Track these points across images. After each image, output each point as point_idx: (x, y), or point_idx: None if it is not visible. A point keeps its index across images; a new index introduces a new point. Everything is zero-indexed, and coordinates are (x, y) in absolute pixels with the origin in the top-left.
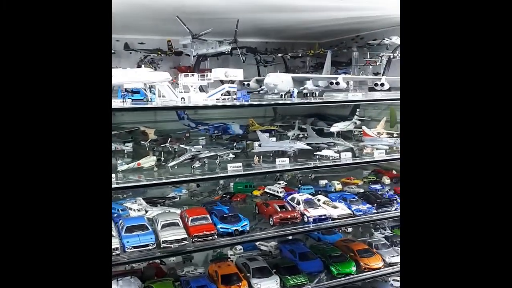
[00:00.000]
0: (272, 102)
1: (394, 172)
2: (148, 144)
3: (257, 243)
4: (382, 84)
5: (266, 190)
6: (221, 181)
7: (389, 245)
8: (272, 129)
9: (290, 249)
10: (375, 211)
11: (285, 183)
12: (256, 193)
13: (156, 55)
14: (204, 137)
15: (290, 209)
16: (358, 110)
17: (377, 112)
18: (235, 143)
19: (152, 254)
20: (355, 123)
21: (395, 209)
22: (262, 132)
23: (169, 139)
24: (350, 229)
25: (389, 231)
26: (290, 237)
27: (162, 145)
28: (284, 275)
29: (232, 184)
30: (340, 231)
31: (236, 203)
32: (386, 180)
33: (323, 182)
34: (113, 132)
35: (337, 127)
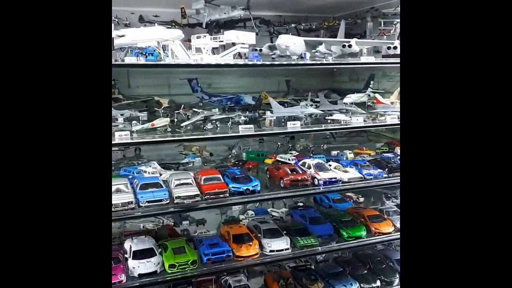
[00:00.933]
0: (285, 62)
1: None
2: (162, 111)
3: (268, 210)
4: (395, 47)
5: (277, 158)
6: (234, 150)
7: (399, 212)
8: (285, 102)
9: (301, 215)
10: (386, 175)
11: (297, 153)
12: (268, 161)
13: (170, 26)
14: (217, 109)
15: (300, 172)
16: (372, 82)
17: (391, 85)
18: (247, 112)
19: (165, 209)
20: (369, 95)
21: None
22: None
23: (182, 105)
24: (362, 199)
25: None
26: (301, 204)
27: (176, 112)
28: (294, 236)
29: (244, 153)
30: (352, 200)
31: (247, 169)
32: (399, 150)
33: (334, 152)
34: (128, 101)
35: (350, 98)
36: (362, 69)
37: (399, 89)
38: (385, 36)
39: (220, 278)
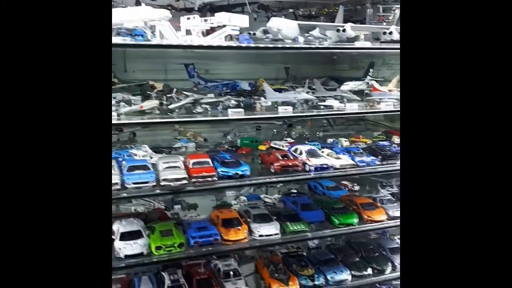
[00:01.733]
0: (279, 46)
1: None
2: (155, 95)
3: (261, 196)
4: (391, 33)
5: (271, 145)
6: (229, 137)
7: (394, 201)
8: (281, 88)
9: (293, 201)
10: (379, 163)
11: (292, 140)
12: (262, 147)
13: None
14: (213, 94)
15: (292, 158)
16: (371, 71)
17: (391, 73)
18: (242, 98)
19: (152, 191)
20: (367, 83)
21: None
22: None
23: (175, 89)
24: (357, 187)
25: (396, 189)
26: (294, 191)
27: (168, 95)
28: (284, 222)
29: (239, 140)
30: (347, 189)
31: (241, 155)
32: (396, 139)
33: (330, 140)
34: (122, 85)
35: (348, 86)
36: (361, 56)
37: (397, 77)
38: (384, 23)
39: (210, 262)
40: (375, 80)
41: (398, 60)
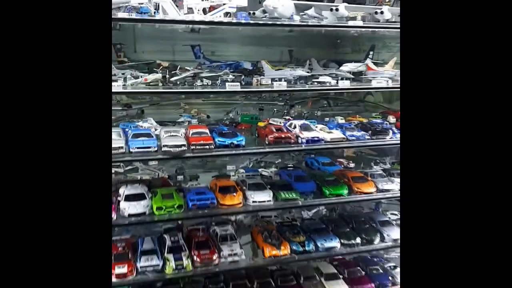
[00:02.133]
0: (278, 23)
1: None
2: (160, 71)
3: (259, 170)
4: (382, 12)
5: (270, 121)
6: (231, 114)
7: (384, 175)
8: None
9: (288, 174)
10: (368, 137)
11: (291, 118)
12: (261, 124)
13: None
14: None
15: (285, 131)
16: (372, 53)
17: (390, 55)
18: (243, 76)
19: (154, 155)
20: (367, 65)
21: (390, 138)
22: None
23: (179, 66)
24: (352, 165)
25: (389, 166)
26: (291, 165)
27: (172, 72)
28: (277, 190)
29: (239, 117)
30: (343, 166)
31: (240, 130)
32: (392, 119)
33: (327, 118)
34: (131, 63)
35: (347, 67)
36: (362, 39)
37: (394, 59)
38: (383, 5)
39: (209, 229)
40: (374, 62)
41: (397, 42)
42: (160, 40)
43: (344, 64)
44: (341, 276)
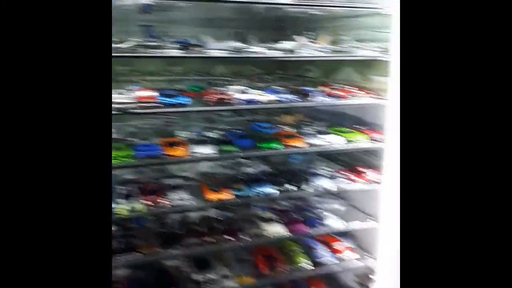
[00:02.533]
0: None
1: None
2: None
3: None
4: None
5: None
6: (178, 85)
7: (312, 134)
8: None
9: (232, 134)
10: (299, 100)
11: None
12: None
13: None
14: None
15: (226, 94)
16: (309, 33)
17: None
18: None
19: None
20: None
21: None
22: None
23: (128, 39)
24: (288, 128)
25: (324, 128)
26: (237, 130)
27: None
28: (219, 145)
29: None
30: (281, 129)
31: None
32: (324, 88)
33: None
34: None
35: (283, 44)
36: (304, 22)
37: (328, 36)
38: None
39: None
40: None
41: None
42: (114, 21)
43: (280, 41)
44: (278, 220)
